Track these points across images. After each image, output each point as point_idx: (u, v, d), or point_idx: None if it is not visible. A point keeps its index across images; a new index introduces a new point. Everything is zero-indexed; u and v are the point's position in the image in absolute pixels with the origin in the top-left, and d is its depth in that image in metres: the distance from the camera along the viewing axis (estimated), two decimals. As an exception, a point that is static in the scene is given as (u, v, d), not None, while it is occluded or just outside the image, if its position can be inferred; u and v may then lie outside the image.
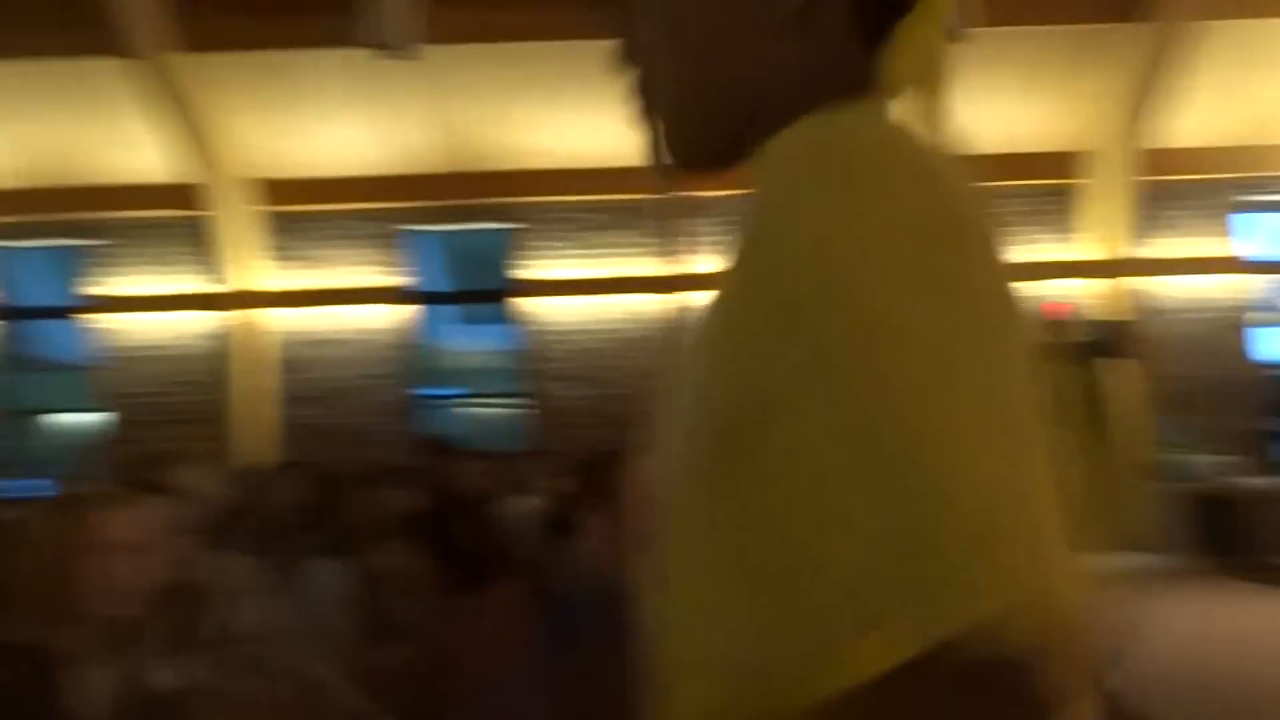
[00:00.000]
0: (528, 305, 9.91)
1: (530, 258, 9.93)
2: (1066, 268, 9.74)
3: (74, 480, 6.79)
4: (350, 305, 9.84)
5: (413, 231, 10.02)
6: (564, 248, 9.87)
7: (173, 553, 1.84)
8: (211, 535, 2.54)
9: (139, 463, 3.35)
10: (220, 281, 9.73)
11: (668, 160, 0.72)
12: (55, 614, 1.65)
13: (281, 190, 9.74)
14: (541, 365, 9.82)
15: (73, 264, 9.96)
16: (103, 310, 9.87)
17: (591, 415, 8.73)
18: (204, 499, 2.75)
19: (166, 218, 9.69)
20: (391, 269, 9.95)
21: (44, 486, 6.79)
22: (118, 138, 9.28)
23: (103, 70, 8.53)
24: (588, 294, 9.83)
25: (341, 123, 9.36)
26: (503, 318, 10.07)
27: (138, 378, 9.69)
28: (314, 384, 9.69)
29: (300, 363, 9.78)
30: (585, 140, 9.13)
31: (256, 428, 9.38)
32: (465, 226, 10.34)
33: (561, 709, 2.01)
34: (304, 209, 9.80)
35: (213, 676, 1.82)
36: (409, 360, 9.90)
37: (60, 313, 10.24)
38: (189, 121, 9.01)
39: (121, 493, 1.96)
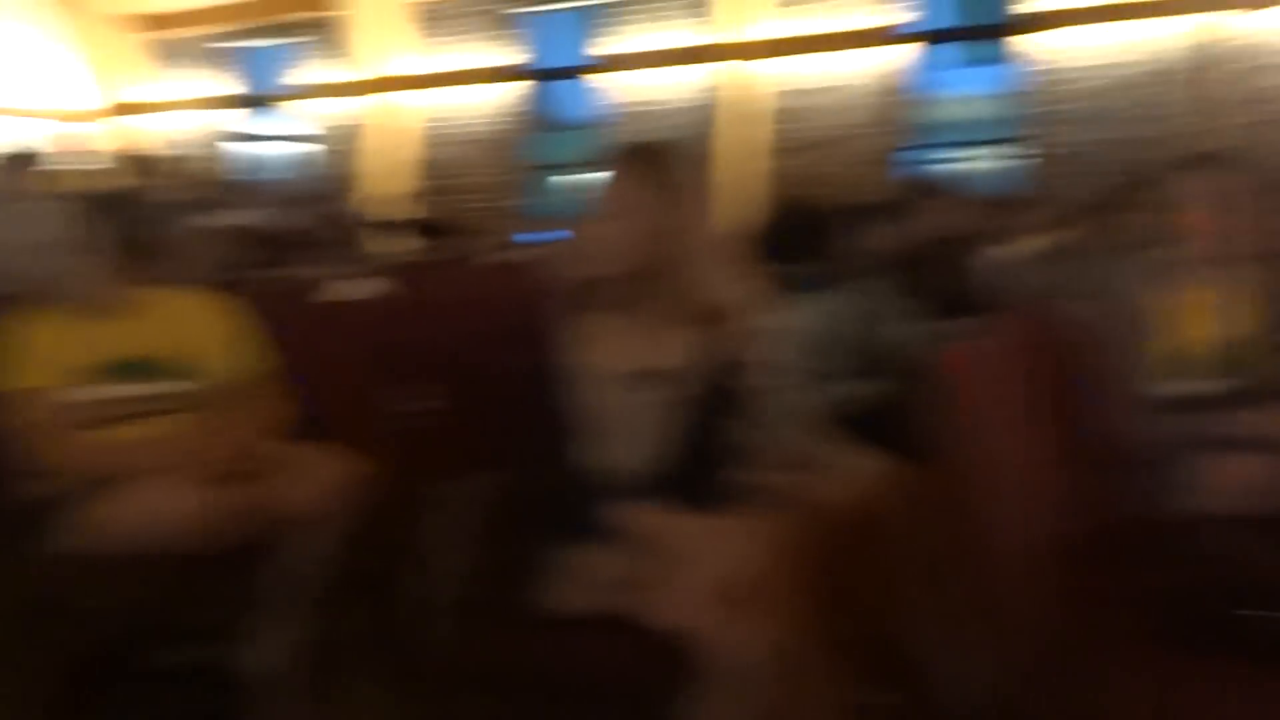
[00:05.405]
0: (1032, 42, 8.90)
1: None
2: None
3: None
4: (841, 50, 9.47)
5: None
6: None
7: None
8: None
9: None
10: (715, 32, 9.83)
11: None
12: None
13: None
14: (1044, 108, 8.86)
15: (586, 26, 10.57)
16: (608, 69, 10.41)
17: (1098, 162, 7.81)
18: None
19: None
20: (884, 5, 9.37)
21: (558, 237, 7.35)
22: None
23: None
24: (1103, 22, 8.57)
25: None
26: (1003, 58, 9.17)
27: (637, 133, 10.00)
28: (800, 135, 9.56)
29: (787, 113, 9.68)
30: None
31: (742, 178, 9.38)
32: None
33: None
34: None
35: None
36: (899, 107, 9.41)
37: (573, 73, 10.91)
38: None
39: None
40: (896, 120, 9.40)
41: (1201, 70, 8.26)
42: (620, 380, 1.70)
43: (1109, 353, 2.26)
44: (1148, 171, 2.52)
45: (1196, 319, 2.32)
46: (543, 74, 11.08)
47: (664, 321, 1.73)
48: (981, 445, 1.64)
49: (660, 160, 1.76)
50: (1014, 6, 9.02)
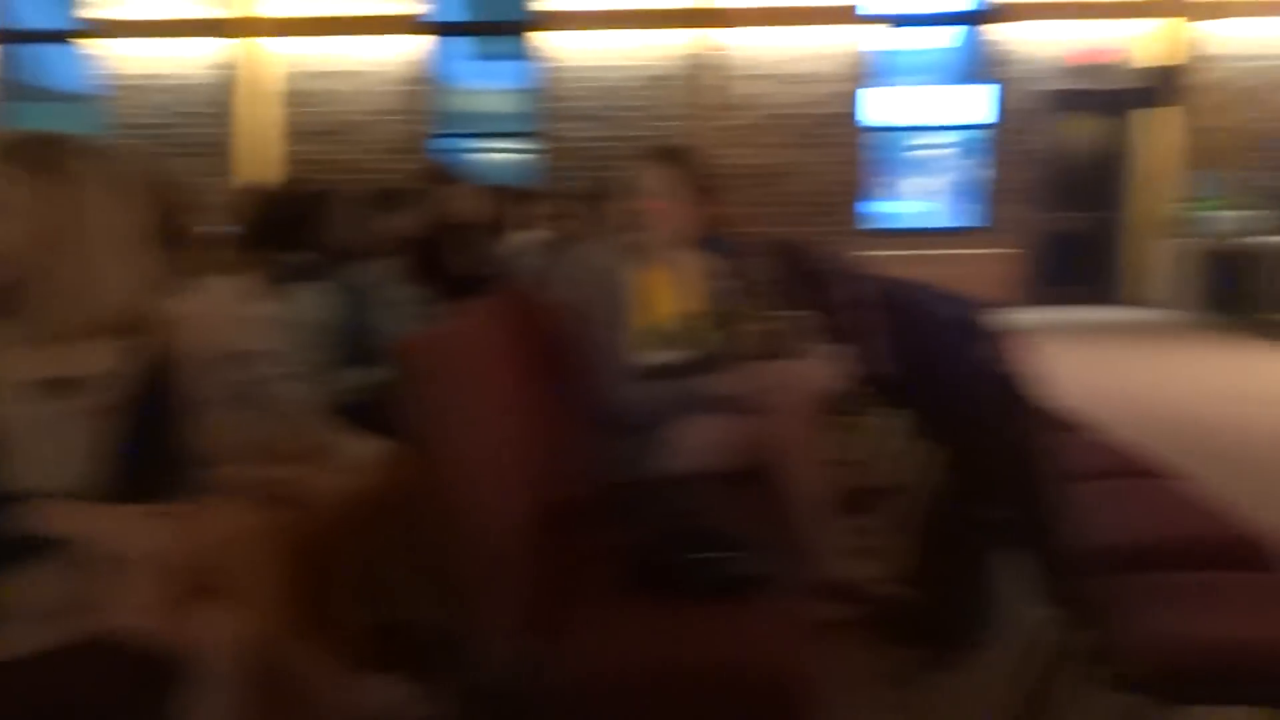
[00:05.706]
0: (546, 40, 9.39)
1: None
2: (1119, 8, 9.35)
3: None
4: (360, 35, 9.32)
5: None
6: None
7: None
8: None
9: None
10: (225, 6, 9.26)
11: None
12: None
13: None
14: (557, 104, 9.41)
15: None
16: (104, 35, 9.42)
17: (606, 156, 8.21)
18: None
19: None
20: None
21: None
22: None
23: None
24: (611, 28, 9.27)
25: None
26: (520, 54, 9.54)
27: (141, 108, 9.33)
28: (321, 118, 9.36)
29: (307, 95, 9.41)
30: None
31: (261, 162, 9.09)
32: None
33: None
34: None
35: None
36: (421, 97, 9.49)
37: (61, 37, 9.72)
38: None
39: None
40: (416, 109, 9.49)
41: (693, 77, 9.27)
42: (26, 392, 1.51)
43: (592, 329, 2.45)
44: (625, 165, 2.75)
45: (662, 296, 2.59)
46: (21, 36, 9.81)
47: (75, 328, 1.56)
48: (453, 425, 1.69)
49: (48, 154, 1.55)
50: (528, 5, 9.46)
